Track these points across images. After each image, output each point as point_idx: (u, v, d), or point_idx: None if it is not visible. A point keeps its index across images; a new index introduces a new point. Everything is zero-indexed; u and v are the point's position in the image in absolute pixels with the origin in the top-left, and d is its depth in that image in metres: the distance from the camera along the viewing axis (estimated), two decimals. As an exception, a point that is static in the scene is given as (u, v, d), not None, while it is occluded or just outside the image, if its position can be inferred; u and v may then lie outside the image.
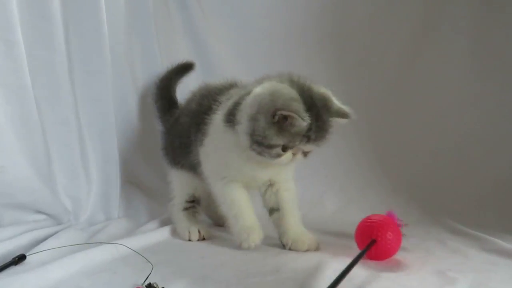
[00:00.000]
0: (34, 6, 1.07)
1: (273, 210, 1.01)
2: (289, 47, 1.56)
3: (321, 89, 0.90)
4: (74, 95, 1.18)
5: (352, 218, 1.27)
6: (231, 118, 0.91)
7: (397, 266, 0.85)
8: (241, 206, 0.97)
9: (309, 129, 0.85)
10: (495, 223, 1.18)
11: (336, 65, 1.59)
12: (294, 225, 0.97)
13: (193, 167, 1.05)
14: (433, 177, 1.44)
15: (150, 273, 0.76)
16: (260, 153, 0.88)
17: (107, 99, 1.23)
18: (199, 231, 1.05)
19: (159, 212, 1.26)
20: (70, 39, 1.16)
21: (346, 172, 1.52)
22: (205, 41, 1.57)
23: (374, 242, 0.86)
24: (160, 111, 1.26)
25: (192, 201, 1.13)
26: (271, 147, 0.86)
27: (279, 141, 0.85)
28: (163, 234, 1.07)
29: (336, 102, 0.89)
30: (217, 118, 0.96)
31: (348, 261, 0.75)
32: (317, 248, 0.95)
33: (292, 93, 0.86)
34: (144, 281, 0.72)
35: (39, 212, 1.07)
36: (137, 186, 1.33)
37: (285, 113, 0.82)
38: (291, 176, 1.02)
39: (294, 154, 0.89)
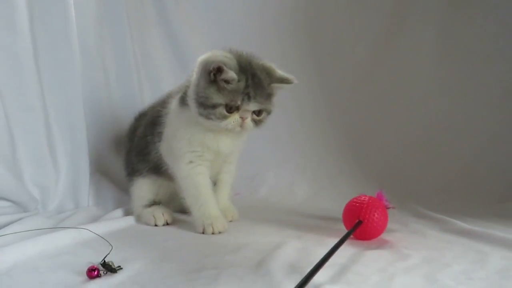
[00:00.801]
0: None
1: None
2: (264, 38, 1.57)
3: (266, 62, 0.95)
4: (41, 83, 1.16)
5: (323, 205, 1.31)
6: (184, 99, 0.97)
7: (357, 245, 0.86)
8: (206, 194, 1.00)
9: (247, 86, 0.90)
10: (460, 207, 1.21)
11: (310, 55, 1.62)
12: (223, 199, 1.11)
13: (156, 168, 1.07)
14: (402, 164, 1.47)
15: (109, 253, 0.77)
16: (207, 117, 0.92)
17: (75, 88, 1.22)
18: (163, 215, 1.05)
19: (127, 202, 1.25)
20: (35, 24, 1.14)
21: (318, 160, 1.55)
22: (179, 31, 1.57)
23: (360, 223, 0.88)
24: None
25: (153, 204, 1.12)
26: (214, 106, 0.90)
27: (220, 99, 0.90)
28: (128, 220, 1.06)
29: (279, 71, 0.94)
30: (172, 106, 1.03)
31: (311, 241, 0.76)
32: (237, 219, 1.11)
33: (228, 55, 0.92)
34: (101, 261, 0.72)
35: (3, 198, 1.05)
36: (106, 175, 1.32)
37: (214, 65, 0.88)
38: (236, 158, 1.11)
39: (242, 119, 0.92)
